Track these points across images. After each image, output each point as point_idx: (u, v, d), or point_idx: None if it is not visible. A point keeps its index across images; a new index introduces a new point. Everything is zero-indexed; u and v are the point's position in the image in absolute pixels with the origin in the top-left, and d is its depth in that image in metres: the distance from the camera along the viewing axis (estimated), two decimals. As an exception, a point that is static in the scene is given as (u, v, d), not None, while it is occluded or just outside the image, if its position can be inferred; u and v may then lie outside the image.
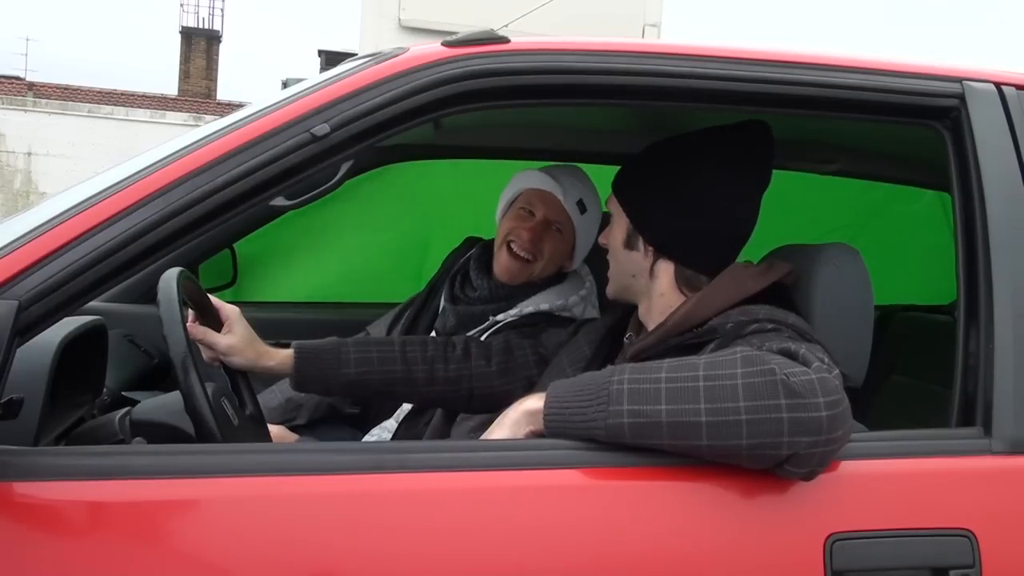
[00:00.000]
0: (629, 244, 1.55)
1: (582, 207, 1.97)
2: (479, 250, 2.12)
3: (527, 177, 2.03)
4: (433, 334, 2.09)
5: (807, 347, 1.24)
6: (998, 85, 1.42)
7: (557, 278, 2.02)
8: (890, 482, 1.25)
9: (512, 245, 1.98)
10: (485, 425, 1.78)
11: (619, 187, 1.58)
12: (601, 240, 1.63)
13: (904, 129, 1.57)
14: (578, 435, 1.21)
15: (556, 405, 1.24)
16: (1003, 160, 1.36)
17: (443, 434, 1.86)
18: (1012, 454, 1.26)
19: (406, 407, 2.02)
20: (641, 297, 1.57)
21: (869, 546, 1.19)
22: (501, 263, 1.99)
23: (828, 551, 1.17)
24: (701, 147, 1.55)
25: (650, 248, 1.53)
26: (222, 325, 1.68)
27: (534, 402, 1.29)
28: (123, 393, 1.95)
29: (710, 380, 1.16)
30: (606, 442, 1.19)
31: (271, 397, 2.15)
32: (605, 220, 1.70)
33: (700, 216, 1.51)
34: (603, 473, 1.19)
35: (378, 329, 2.25)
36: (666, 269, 1.52)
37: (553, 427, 1.24)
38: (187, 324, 1.43)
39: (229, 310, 1.70)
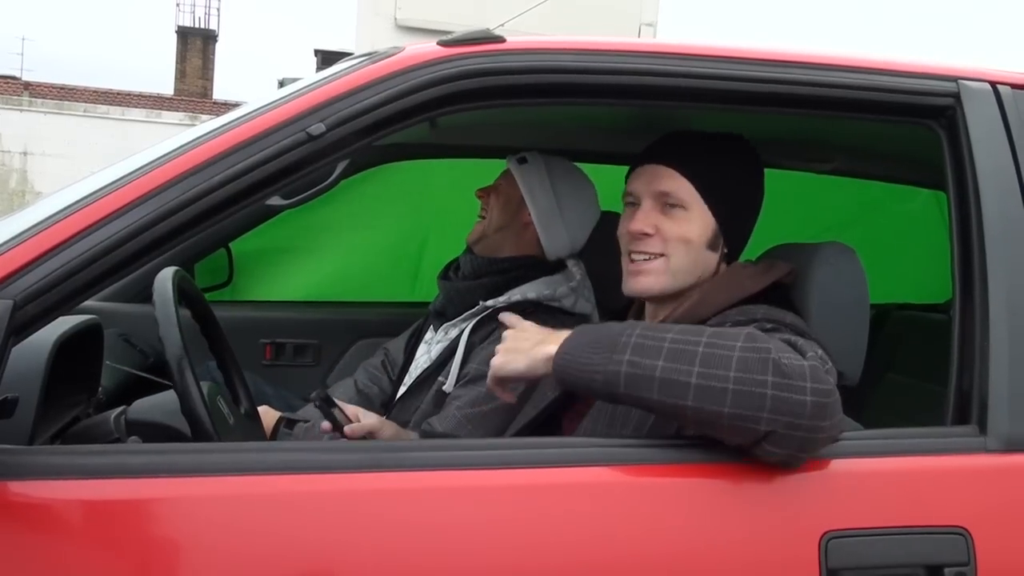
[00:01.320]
0: (712, 244, 1.51)
1: (521, 160, 2.05)
2: None
3: None
4: (431, 329, 2.12)
5: (804, 342, 1.25)
6: (994, 84, 1.42)
7: (544, 269, 2.03)
8: (885, 480, 1.25)
9: None
10: (473, 405, 1.80)
11: (703, 180, 1.50)
12: (644, 228, 1.49)
13: (900, 128, 1.57)
14: (579, 378, 1.23)
15: (569, 347, 1.25)
16: (998, 159, 1.36)
17: (432, 414, 1.90)
18: (1007, 452, 1.26)
19: (401, 391, 2.06)
20: (685, 295, 1.52)
21: (864, 544, 1.19)
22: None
23: (823, 549, 1.17)
24: (742, 148, 1.59)
25: (725, 250, 1.54)
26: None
27: (554, 347, 1.29)
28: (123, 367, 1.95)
29: (709, 348, 1.17)
30: (601, 392, 1.21)
31: (345, 388, 2.21)
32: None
33: (754, 218, 1.57)
34: (598, 471, 1.19)
35: (396, 347, 2.26)
36: (723, 266, 1.55)
37: (559, 367, 1.26)
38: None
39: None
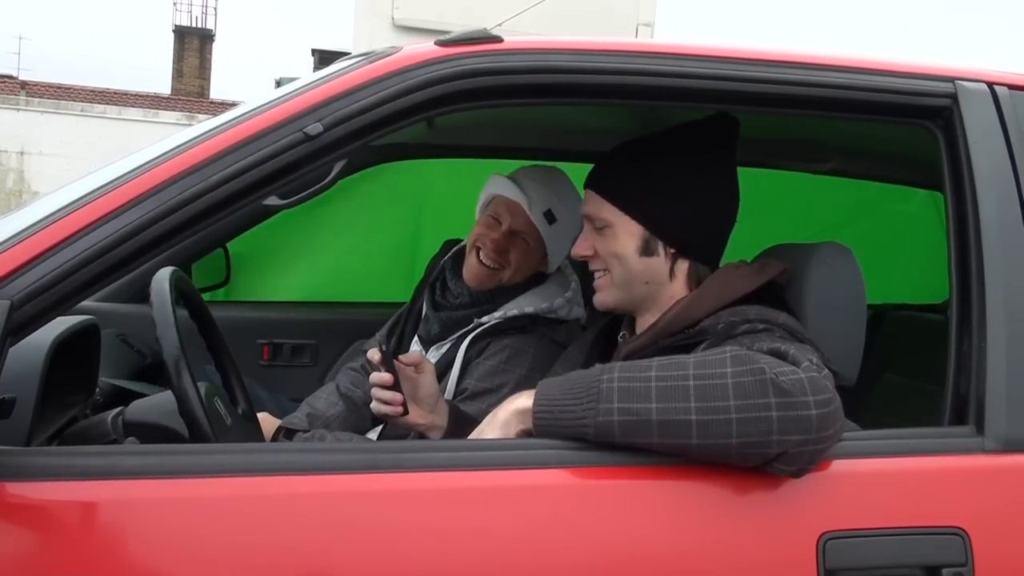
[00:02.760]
0: (646, 251, 1.51)
1: (550, 217, 1.96)
2: (453, 257, 2.08)
3: (497, 183, 2.01)
4: (416, 341, 2.08)
5: (797, 347, 1.24)
6: (990, 85, 1.42)
7: (539, 279, 2.01)
8: (883, 481, 1.25)
9: (479, 252, 1.98)
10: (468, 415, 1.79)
11: (616, 195, 1.52)
12: (584, 252, 1.56)
13: (897, 128, 1.57)
14: (567, 434, 1.20)
15: (545, 403, 1.23)
16: (995, 159, 1.36)
17: None
18: (1004, 452, 1.26)
19: None
20: (650, 302, 1.53)
21: (862, 545, 1.20)
22: (470, 268, 1.99)
23: (821, 550, 1.17)
24: (685, 142, 1.56)
25: (671, 250, 1.51)
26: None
27: (524, 401, 1.29)
28: (113, 382, 1.94)
29: (700, 379, 1.16)
30: (595, 441, 1.19)
31: (328, 393, 2.16)
32: (573, 228, 1.64)
33: (709, 210, 1.53)
34: (596, 472, 1.19)
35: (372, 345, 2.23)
36: (682, 269, 1.52)
37: (542, 426, 1.23)
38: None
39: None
